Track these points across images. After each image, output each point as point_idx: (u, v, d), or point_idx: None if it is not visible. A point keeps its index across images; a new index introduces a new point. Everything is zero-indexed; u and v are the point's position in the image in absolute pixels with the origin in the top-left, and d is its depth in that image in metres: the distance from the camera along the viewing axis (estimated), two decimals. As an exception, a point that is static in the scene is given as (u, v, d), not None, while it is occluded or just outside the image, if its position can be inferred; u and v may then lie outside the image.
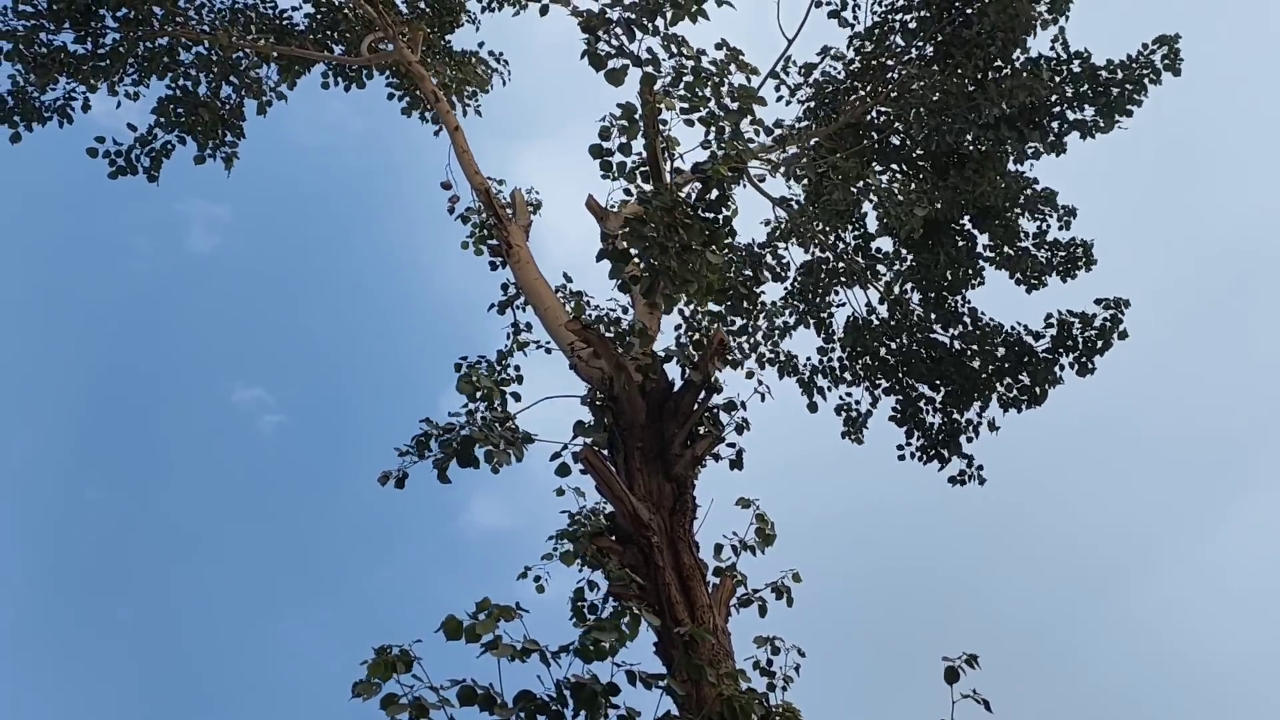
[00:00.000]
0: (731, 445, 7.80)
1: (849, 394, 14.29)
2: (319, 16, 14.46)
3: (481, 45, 15.31)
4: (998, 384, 13.88)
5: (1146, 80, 11.72)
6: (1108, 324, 13.22)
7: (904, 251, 13.88)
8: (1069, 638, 26.32)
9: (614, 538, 7.20)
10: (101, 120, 14.22)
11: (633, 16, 6.86)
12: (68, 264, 27.73)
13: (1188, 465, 29.45)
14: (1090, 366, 13.52)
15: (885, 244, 14.13)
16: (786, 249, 13.43)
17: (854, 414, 14.30)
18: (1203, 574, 27.67)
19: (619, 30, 6.87)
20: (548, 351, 9.10)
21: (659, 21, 7.00)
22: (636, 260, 7.18)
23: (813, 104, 12.59)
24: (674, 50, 7.13)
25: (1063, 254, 13.63)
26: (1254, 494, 28.42)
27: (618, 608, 6.96)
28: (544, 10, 7.55)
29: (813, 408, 14.18)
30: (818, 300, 13.92)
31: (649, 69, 7.02)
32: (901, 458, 14.16)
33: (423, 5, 14.73)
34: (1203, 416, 29.32)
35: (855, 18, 12.30)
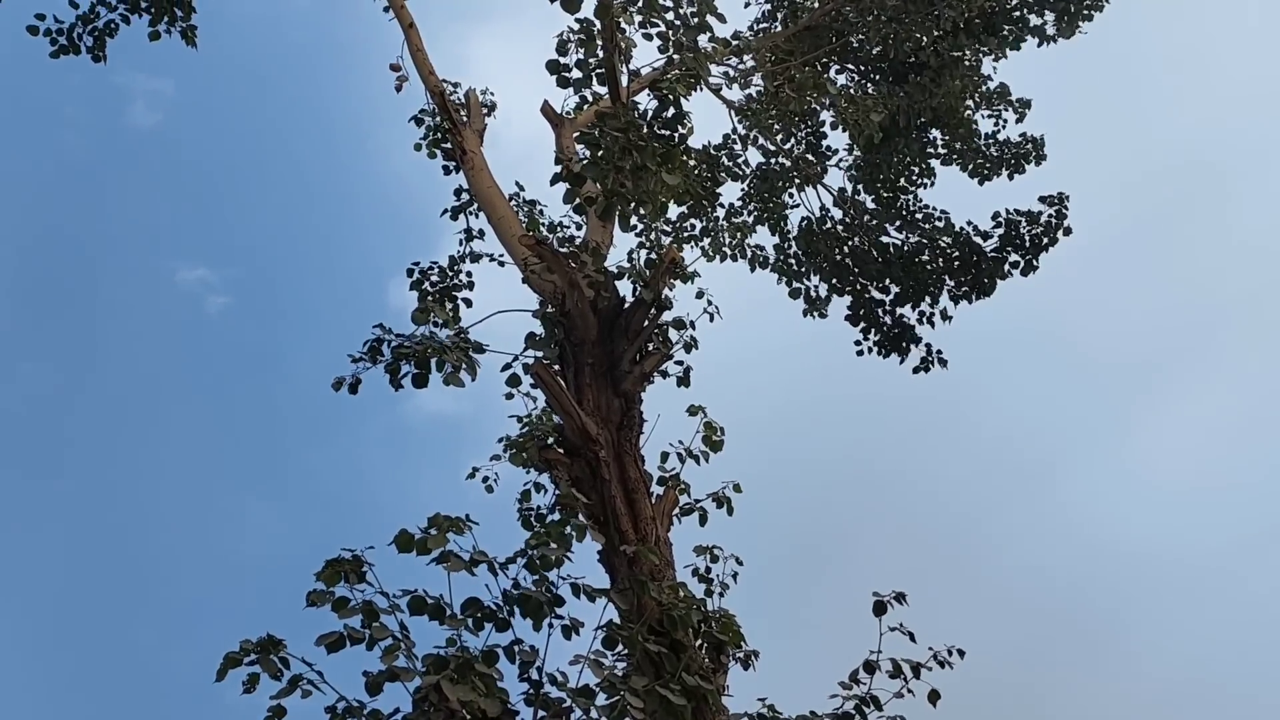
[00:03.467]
0: (679, 363, 8.01)
1: (808, 280, 14.52)
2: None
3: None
4: (947, 281, 14.17)
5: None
6: (1052, 220, 13.50)
7: (855, 151, 13.97)
8: (999, 526, 27.42)
9: (562, 450, 7.41)
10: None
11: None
12: (-1, 133, 26.57)
13: (1113, 372, 30.35)
14: (1035, 264, 13.83)
15: (836, 142, 14.25)
16: (744, 151, 13.47)
17: (813, 295, 14.54)
18: (1124, 470, 28.88)
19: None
20: (500, 264, 9.19)
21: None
22: (592, 181, 7.23)
23: (770, 6, 12.46)
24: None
25: (1014, 150, 13.80)
26: (1172, 402, 29.50)
27: (563, 516, 7.25)
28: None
29: (795, 294, 14.45)
30: (772, 201, 14.03)
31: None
32: (860, 353, 14.44)
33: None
34: (1130, 328, 30.17)
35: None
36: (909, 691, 5.67)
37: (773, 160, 13.92)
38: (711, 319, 8.03)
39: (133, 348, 27.03)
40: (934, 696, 5.65)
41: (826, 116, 13.22)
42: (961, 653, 5.70)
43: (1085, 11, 12.71)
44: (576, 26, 7.33)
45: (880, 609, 5.92)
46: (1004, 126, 13.85)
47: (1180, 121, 31.70)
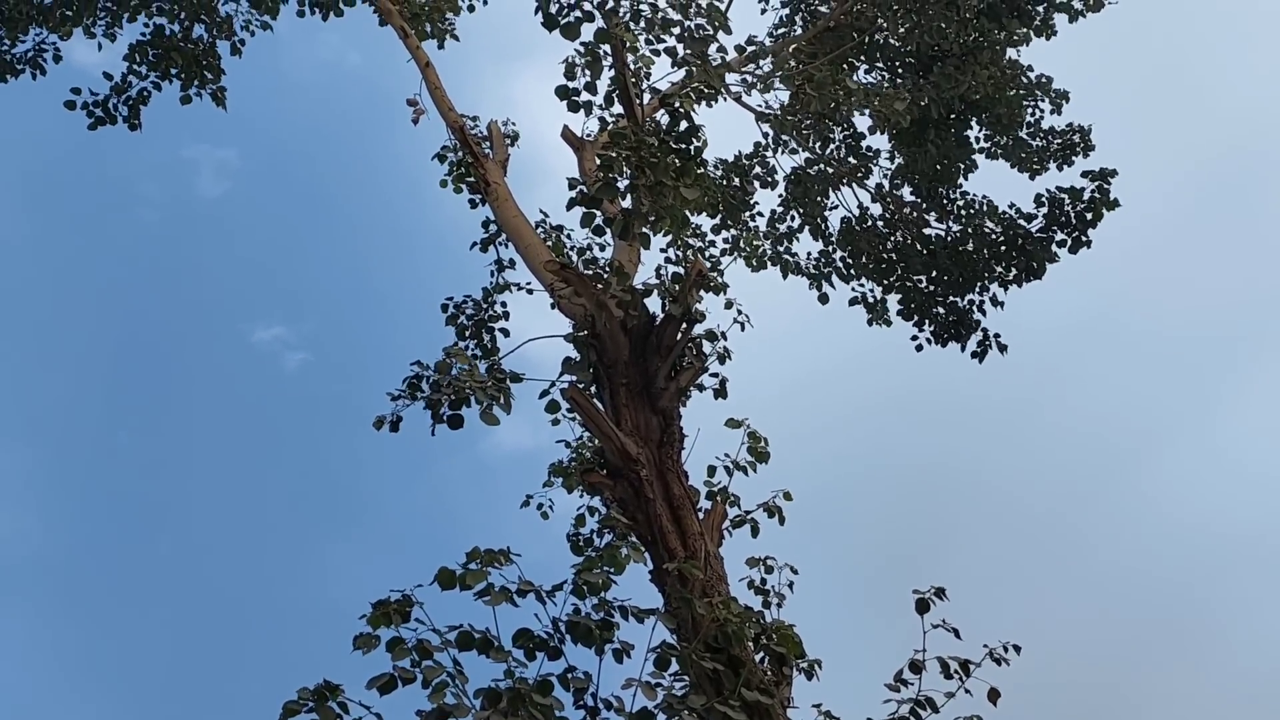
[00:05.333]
0: (715, 375, 7.94)
1: (860, 284, 14.31)
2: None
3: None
4: (996, 267, 13.90)
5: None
6: (1097, 196, 13.18)
7: (894, 147, 13.81)
8: (1081, 521, 26.86)
9: (604, 472, 7.37)
10: (89, 69, 14.30)
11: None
12: (79, 215, 28.13)
13: (1189, 352, 29.72)
14: (1085, 240, 13.48)
15: (875, 141, 14.09)
16: (774, 158, 13.38)
17: (871, 300, 14.31)
18: (1209, 453, 28.14)
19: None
20: (529, 293, 9.22)
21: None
22: (609, 202, 7.22)
23: (790, 9, 12.38)
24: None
25: (1059, 140, 13.54)
26: (1255, 378, 28.69)
27: (611, 541, 7.20)
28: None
29: (823, 299, 14.28)
30: (810, 204, 13.90)
31: (607, 13, 6.95)
32: (919, 348, 14.15)
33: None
34: (1205, 304, 29.46)
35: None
36: (966, 691, 5.51)
37: (810, 166, 13.80)
38: (743, 328, 7.96)
39: (219, 409, 28.25)
40: (994, 695, 5.49)
41: (860, 117, 13.09)
42: (1018, 648, 5.53)
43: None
44: (582, 50, 7.33)
45: (923, 606, 5.75)
46: (1041, 117, 13.64)
47: (1248, 89, 30.95)
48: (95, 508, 25.99)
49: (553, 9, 6.86)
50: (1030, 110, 13.75)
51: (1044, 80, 13.59)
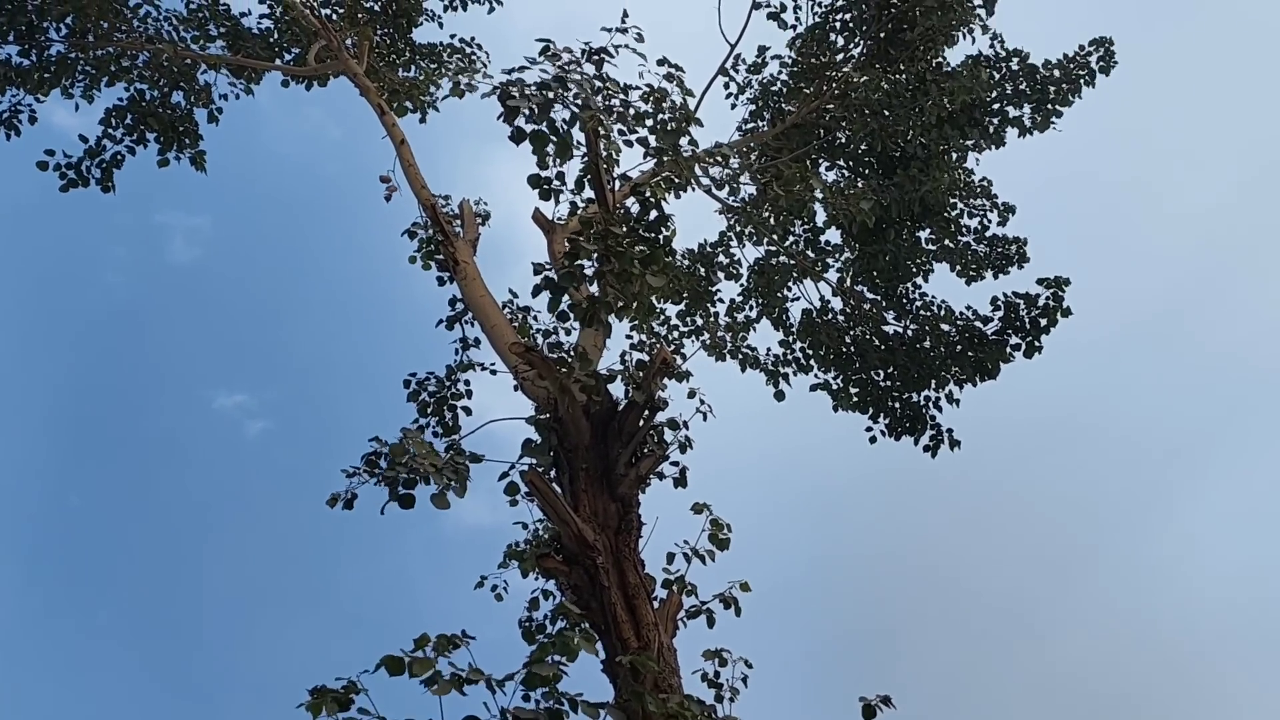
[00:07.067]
0: (675, 464, 7.95)
1: (820, 374, 14.44)
2: (273, 17, 14.24)
3: (453, 37, 14.82)
4: (952, 367, 14.14)
5: (1082, 81, 11.93)
6: (1050, 303, 13.50)
7: (853, 244, 14.11)
8: (1043, 619, 27.04)
9: (560, 557, 7.32)
10: (67, 131, 14.38)
11: (548, 95, 6.90)
12: (44, 276, 27.97)
13: (1144, 459, 30.35)
14: (1038, 346, 13.75)
15: (834, 236, 14.39)
16: (739, 248, 13.60)
17: (833, 389, 14.41)
18: (1164, 558, 28.63)
19: (536, 105, 6.90)
20: (493, 373, 9.24)
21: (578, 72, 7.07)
22: (573, 288, 7.28)
23: (758, 105, 12.71)
24: (600, 87, 7.23)
25: (999, 250, 13.93)
26: (1209, 484, 29.37)
27: (564, 628, 7.12)
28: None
29: (779, 396, 14.39)
30: (771, 295, 14.11)
31: (583, 104, 7.09)
32: (873, 439, 14.26)
33: (374, 5, 14.45)
34: (1156, 414, 30.27)
35: (797, 18, 12.45)
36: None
37: (772, 258, 14.04)
38: (705, 418, 8.00)
39: (174, 474, 27.80)
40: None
41: (821, 213, 13.40)
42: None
43: (1056, 107, 13.05)
44: (555, 139, 7.45)
45: (869, 713, 5.72)
46: (989, 226, 14.06)
47: (1202, 197, 32.11)
48: (40, 571, 25.41)
49: (520, 121, 6.95)
50: (979, 218, 14.17)
51: (985, 185, 14.05)
